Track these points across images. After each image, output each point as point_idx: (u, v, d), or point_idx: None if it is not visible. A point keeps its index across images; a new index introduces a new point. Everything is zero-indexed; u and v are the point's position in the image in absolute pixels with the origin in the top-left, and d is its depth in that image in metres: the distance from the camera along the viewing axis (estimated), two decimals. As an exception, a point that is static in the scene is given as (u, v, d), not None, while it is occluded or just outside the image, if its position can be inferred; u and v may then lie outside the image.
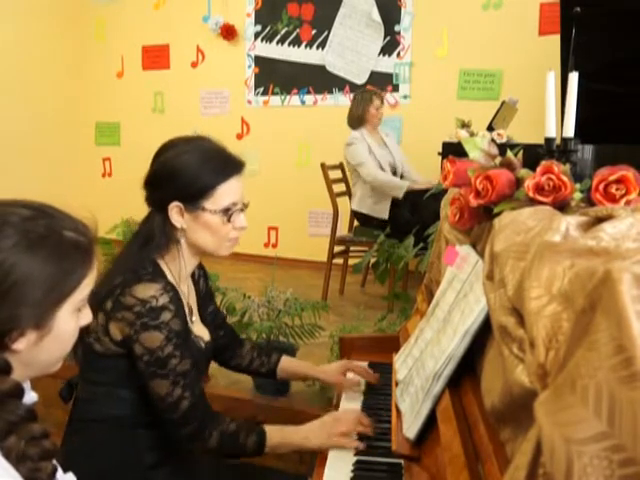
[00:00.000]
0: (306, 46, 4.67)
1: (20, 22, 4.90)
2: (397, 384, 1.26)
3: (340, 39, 4.55)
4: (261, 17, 4.80)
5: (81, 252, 0.82)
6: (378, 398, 1.44)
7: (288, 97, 4.79)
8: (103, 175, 5.66)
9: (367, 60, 4.50)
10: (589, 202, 0.95)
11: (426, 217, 2.73)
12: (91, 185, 5.54)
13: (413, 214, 3.49)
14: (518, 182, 1.03)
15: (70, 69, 5.39)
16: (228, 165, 1.27)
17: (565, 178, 0.94)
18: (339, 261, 3.92)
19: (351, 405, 1.42)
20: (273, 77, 4.82)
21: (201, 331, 1.36)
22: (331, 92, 4.63)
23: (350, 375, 1.52)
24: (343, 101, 4.54)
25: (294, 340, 2.26)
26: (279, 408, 2.18)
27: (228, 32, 4.86)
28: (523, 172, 1.04)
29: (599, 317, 0.47)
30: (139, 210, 1.33)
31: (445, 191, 1.50)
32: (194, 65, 5.14)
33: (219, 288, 2.38)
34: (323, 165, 3.81)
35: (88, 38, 5.45)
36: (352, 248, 3.87)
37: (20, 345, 0.76)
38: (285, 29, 4.73)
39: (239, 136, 4.99)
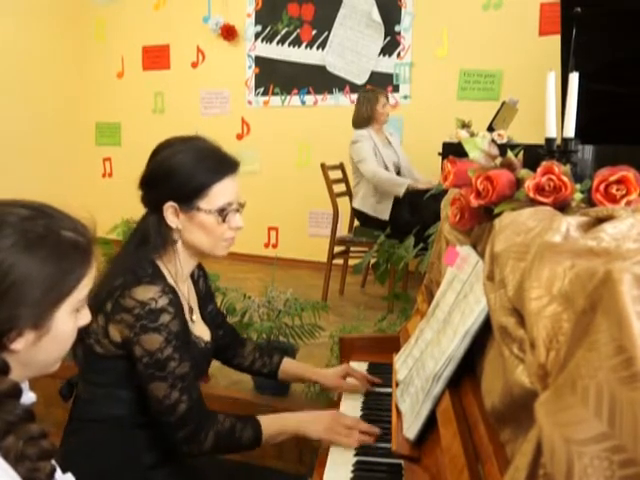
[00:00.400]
0: (306, 46, 4.67)
1: (20, 22, 4.90)
2: (397, 384, 1.26)
3: (340, 39, 4.55)
4: (261, 17, 4.81)
5: (80, 252, 0.82)
6: (378, 398, 1.44)
7: (288, 97, 4.79)
8: (103, 175, 5.66)
9: (367, 60, 4.50)
10: (589, 202, 0.94)
11: (426, 217, 2.73)
12: (91, 185, 5.54)
13: (413, 214, 3.49)
14: (518, 182, 1.03)
15: (70, 69, 5.40)
16: (223, 165, 1.26)
17: (565, 178, 0.94)
18: (339, 261, 3.92)
19: (351, 405, 1.42)
20: (273, 77, 4.82)
21: (202, 331, 1.36)
22: (331, 92, 4.63)
23: (350, 380, 1.52)
24: (343, 101, 4.55)
25: (294, 340, 2.26)
26: (279, 408, 2.18)
27: (228, 32, 4.86)
28: (523, 172, 1.04)
29: (599, 318, 0.47)
30: (139, 210, 1.33)
31: (445, 191, 1.50)
32: (194, 65, 5.14)
33: (219, 288, 2.38)
34: (323, 165, 3.81)
35: (88, 38, 5.45)
36: (352, 248, 3.87)
37: (18, 345, 0.76)
38: (285, 29, 4.73)
39: (239, 136, 4.99)
